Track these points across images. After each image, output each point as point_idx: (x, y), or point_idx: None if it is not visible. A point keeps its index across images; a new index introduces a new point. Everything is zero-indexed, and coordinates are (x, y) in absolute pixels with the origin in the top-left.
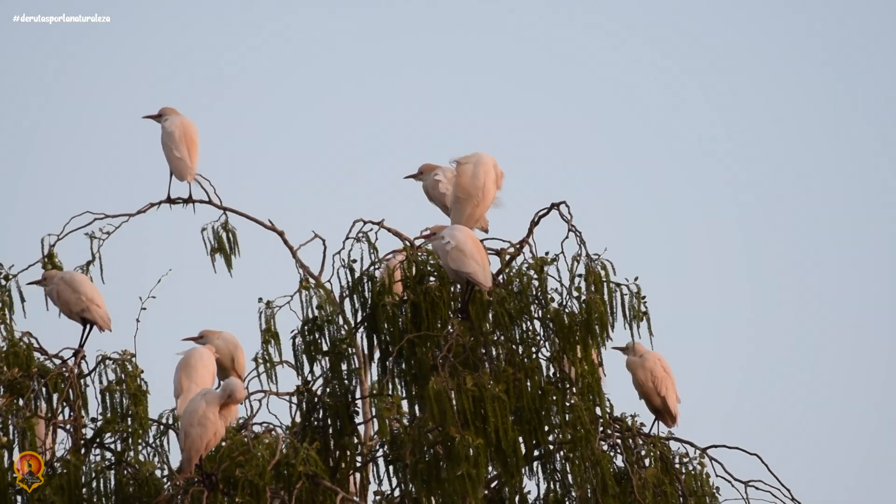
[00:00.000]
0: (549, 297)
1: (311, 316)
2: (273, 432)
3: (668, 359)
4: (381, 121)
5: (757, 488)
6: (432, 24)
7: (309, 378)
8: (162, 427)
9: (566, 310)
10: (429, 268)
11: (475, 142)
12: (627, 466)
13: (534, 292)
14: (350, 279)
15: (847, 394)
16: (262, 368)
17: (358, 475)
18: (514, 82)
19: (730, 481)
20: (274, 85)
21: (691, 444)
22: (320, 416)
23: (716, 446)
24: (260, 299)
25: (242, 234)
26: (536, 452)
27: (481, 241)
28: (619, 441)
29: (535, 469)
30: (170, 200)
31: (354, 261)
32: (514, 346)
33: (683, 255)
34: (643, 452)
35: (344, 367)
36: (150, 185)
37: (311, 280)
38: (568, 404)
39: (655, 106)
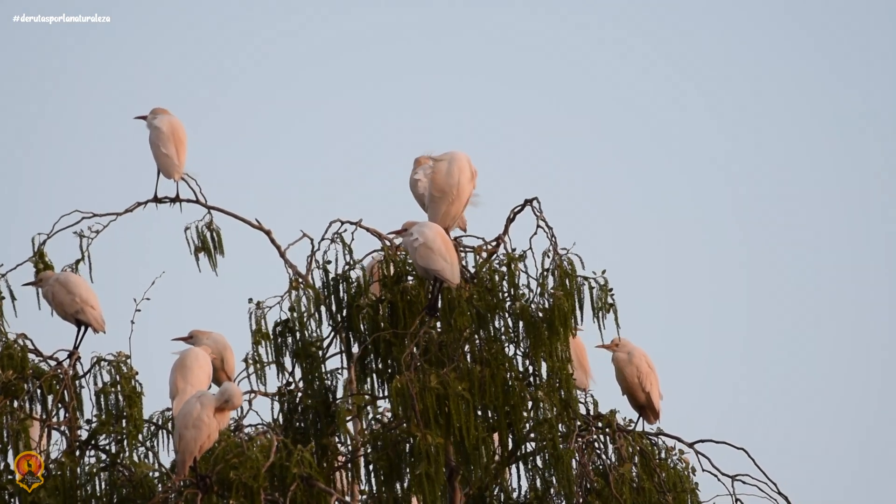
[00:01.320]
0: (521, 292)
1: (282, 318)
2: (267, 434)
3: (655, 355)
4: (369, 122)
5: (744, 482)
6: (416, 29)
7: (290, 379)
8: (153, 428)
9: (533, 306)
10: (407, 267)
11: (461, 141)
12: (608, 462)
13: (505, 288)
14: (325, 280)
15: (835, 388)
16: (251, 369)
17: (345, 474)
18: (499, 83)
19: (717, 476)
20: (269, 86)
21: (679, 440)
22: (301, 416)
23: (703, 441)
24: (250, 300)
25: (232, 233)
26: (520, 451)
27: (458, 238)
28: (599, 437)
29: (517, 466)
30: (157, 199)
31: (329, 262)
32: (482, 343)
33: (673, 250)
34: (622, 450)
35: (324, 367)
36: (142, 184)
37: (300, 280)
38: (531, 402)
39: (640, 101)
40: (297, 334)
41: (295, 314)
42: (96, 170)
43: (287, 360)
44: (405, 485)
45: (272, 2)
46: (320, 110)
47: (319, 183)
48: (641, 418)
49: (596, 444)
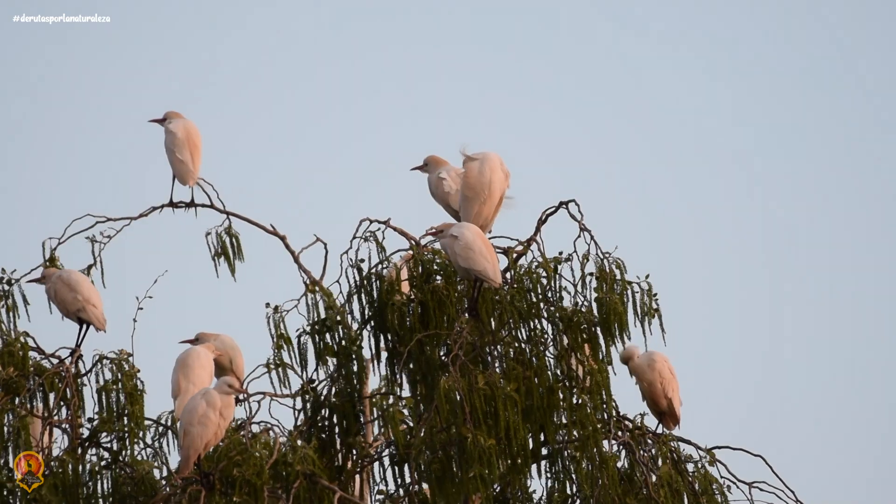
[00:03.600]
0: (559, 295)
1: (320, 318)
2: (271, 431)
3: (672, 359)
4: (384, 124)
5: (761, 489)
6: (438, 28)
7: (314, 378)
8: (161, 428)
9: (582, 308)
10: (435, 266)
11: (480, 141)
12: (639, 466)
13: (541, 291)
14: (357, 278)
15: (852, 394)
16: (274, 375)
17: (360, 475)
18: (520, 82)
19: (734, 482)
20: (276, 88)
21: (695, 445)
22: (326, 415)
23: (720, 447)
24: (267, 304)
25: (244, 238)
26: (544, 451)
27: (488, 238)
28: (628, 441)
29: (540, 468)
30: (172, 204)
31: (362, 260)
32: (522, 345)
33: (684, 254)
34: (654, 451)
35: (353, 367)
36: (153, 188)
37: (315, 284)
38: (576, 402)
39: (664, 104)
40: (336, 333)
41: (330, 313)
42: (98, 173)
43: (312, 361)
44: (456, 485)
45: (280, 1)
46: (332, 114)
47: (329, 186)
48: (661, 424)
49: (628, 447)
